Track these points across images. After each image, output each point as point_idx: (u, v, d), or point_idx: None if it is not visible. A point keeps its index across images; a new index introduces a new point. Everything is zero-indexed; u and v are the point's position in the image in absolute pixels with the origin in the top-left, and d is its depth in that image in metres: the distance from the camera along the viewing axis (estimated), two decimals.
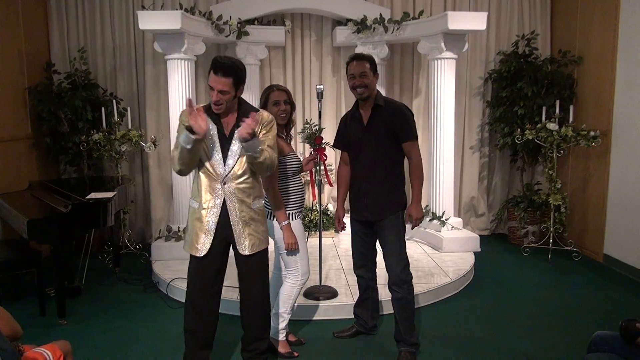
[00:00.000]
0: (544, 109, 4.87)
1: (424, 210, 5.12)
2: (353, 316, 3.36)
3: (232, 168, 2.47)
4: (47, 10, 5.23)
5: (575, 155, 5.21)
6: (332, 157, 5.38)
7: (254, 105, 2.88)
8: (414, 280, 3.01)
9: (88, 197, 3.77)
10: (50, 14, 5.23)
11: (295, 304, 3.05)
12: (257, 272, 2.64)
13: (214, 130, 2.45)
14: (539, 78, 5.18)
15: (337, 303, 3.62)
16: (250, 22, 5.05)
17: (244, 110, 2.50)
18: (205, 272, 2.56)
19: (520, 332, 3.37)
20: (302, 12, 5.46)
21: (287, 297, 2.94)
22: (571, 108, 4.78)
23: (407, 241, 3.01)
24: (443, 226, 4.91)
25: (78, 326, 3.50)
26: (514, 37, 5.48)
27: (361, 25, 5.05)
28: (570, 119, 4.72)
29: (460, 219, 5.14)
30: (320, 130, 3.31)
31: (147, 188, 5.52)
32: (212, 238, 2.49)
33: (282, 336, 3.03)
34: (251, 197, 2.53)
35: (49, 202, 3.82)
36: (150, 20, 4.38)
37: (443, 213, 4.95)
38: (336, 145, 3.11)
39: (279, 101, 2.84)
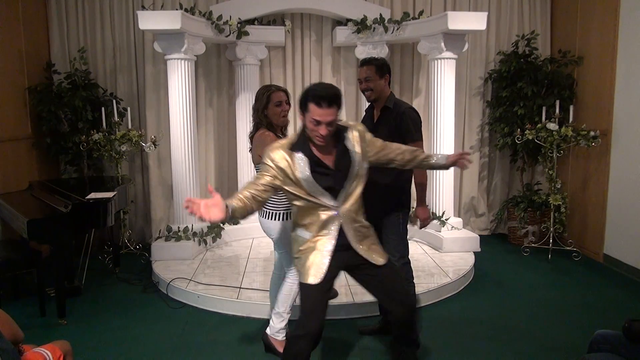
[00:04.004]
0: (544, 109, 4.87)
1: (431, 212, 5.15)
2: (379, 313, 3.37)
3: (346, 193, 2.29)
4: (47, 10, 5.23)
5: (575, 155, 5.21)
6: None
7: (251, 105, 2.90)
8: (414, 280, 3.01)
9: (88, 197, 3.77)
10: (50, 14, 5.23)
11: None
12: (395, 271, 2.52)
13: (306, 169, 2.21)
14: (539, 78, 5.18)
15: (337, 303, 3.61)
16: (250, 22, 5.05)
17: (340, 132, 2.28)
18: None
19: (520, 332, 3.37)
20: (302, 12, 5.45)
21: (286, 297, 2.94)
22: (571, 108, 4.78)
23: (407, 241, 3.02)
24: (443, 226, 4.91)
25: (78, 326, 3.50)
26: (514, 37, 5.48)
27: (361, 25, 5.05)
28: (570, 119, 4.72)
29: (460, 219, 5.14)
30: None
31: (147, 188, 5.52)
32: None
33: (281, 336, 3.03)
34: (361, 215, 2.40)
35: (49, 202, 3.82)
36: (150, 20, 4.38)
37: (443, 213, 4.95)
38: None
39: (281, 102, 2.84)
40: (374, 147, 2.38)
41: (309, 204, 2.26)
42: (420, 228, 3.09)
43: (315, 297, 2.34)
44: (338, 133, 2.27)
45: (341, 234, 2.31)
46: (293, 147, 2.23)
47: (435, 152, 2.44)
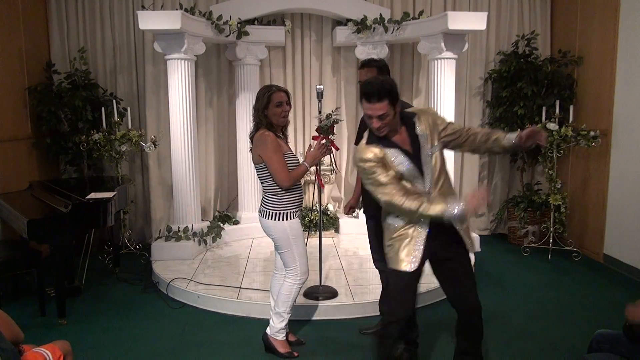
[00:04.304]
0: (544, 109, 4.87)
1: None
2: (379, 313, 3.37)
3: (432, 177, 2.32)
4: (47, 10, 5.23)
5: (575, 155, 5.21)
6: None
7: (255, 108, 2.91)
8: None
9: (88, 197, 3.77)
10: (50, 14, 5.23)
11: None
12: (467, 262, 2.51)
13: (398, 155, 2.27)
14: (539, 78, 5.18)
15: (337, 303, 3.62)
16: (250, 22, 5.05)
17: (406, 117, 2.34)
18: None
19: (520, 332, 3.37)
20: (302, 12, 5.45)
21: (286, 297, 2.94)
22: (571, 108, 4.78)
23: None
24: None
25: (78, 326, 3.50)
26: (514, 37, 5.48)
27: (361, 25, 5.05)
28: (570, 119, 4.72)
29: None
30: (337, 121, 3.29)
31: (147, 188, 5.51)
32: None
33: (282, 336, 3.03)
34: (452, 197, 2.36)
35: (49, 202, 3.82)
36: (150, 20, 4.38)
37: None
38: (356, 142, 3.19)
39: (281, 102, 2.84)
40: (445, 131, 2.36)
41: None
42: None
43: (406, 284, 2.38)
44: (407, 120, 2.32)
45: (434, 219, 2.29)
46: (373, 142, 2.29)
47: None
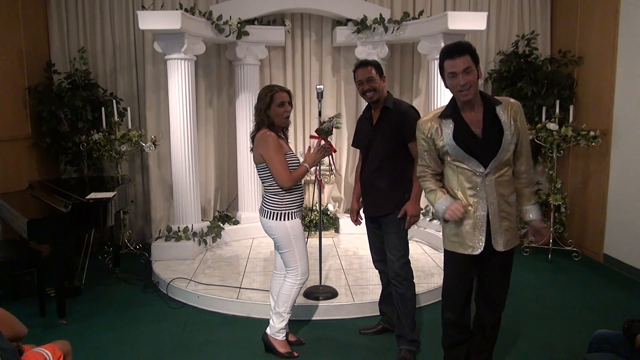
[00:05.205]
0: (544, 109, 4.87)
1: (422, 210, 5.15)
2: (379, 313, 3.38)
3: (496, 168, 2.27)
4: (47, 10, 5.23)
5: (575, 155, 5.21)
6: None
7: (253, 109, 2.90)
8: (414, 280, 3.01)
9: (88, 197, 3.77)
10: (50, 14, 5.23)
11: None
12: (507, 269, 2.45)
13: (448, 138, 2.25)
14: (539, 78, 5.18)
15: (337, 303, 3.62)
16: (250, 22, 5.06)
17: (487, 99, 2.29)
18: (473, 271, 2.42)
19: (519, 332, 3.36)
20: (302, 12, 5.46)
21: (286, 297, 2.94)
22: (571, 108, 4.78)
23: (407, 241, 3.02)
24: None
25: (78, 326, 3.50)
26: (514, 37, 5.48)
27: (361, 25, 5.05)
28: (570, 119, 4.73)
29: None
30: (337, 126, 3.31)
31: (147, 188, 5.52)
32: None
33: (282, 336, 3.04)
34: (509, 190, 2.33)
35: (49, 202, 3.82)
36: (150, 20, 4.38)
37: None
38: (353, 143, 3.22)
39: (284, 102, 2.85)
40: (522, 131, 2.30)
41: (457, 170, 2.29)
42: (407, 226, 2.92)
43: (463, 269, 2.36)
44: (489, 103, 2.28)
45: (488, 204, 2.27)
46: (442, 115, 2.30)
47: (533, 200, 2.42)
